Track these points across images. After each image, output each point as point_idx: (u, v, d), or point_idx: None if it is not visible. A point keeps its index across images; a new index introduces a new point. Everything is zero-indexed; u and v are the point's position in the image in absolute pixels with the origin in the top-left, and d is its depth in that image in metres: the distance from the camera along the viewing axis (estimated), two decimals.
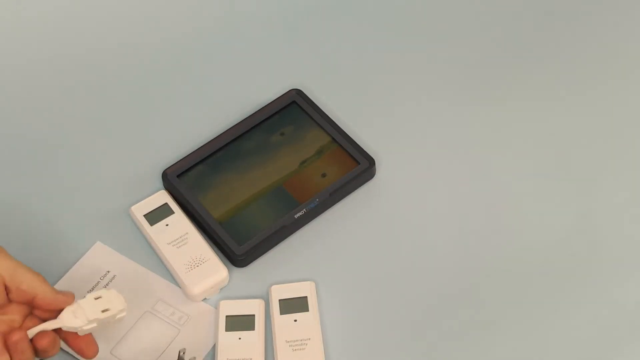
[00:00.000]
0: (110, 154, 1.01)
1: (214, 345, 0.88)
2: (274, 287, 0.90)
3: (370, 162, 0.97)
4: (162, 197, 0.96)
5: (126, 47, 1.07)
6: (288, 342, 0.87)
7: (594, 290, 0.90)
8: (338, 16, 1.10)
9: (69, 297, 0.82)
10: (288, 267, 0.93)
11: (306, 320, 0.88)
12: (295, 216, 0.94)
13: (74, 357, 0.87)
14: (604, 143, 1.00)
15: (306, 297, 0.89)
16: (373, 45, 1.08)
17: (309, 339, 0.87)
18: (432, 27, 1.09)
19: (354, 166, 0.97)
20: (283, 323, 0.88)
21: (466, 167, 0.99)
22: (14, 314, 0.82)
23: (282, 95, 1.02)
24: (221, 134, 0.99)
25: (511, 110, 1.03)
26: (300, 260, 0.93)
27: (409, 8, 1.10)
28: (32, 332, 0.80)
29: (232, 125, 1.00)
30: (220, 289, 0.91)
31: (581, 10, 1.10)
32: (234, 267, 0.93)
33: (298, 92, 1.02)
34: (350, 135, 0.99)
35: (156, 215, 0.95)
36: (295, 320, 0.88)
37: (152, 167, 0.99)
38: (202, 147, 0.98)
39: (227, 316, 0.89)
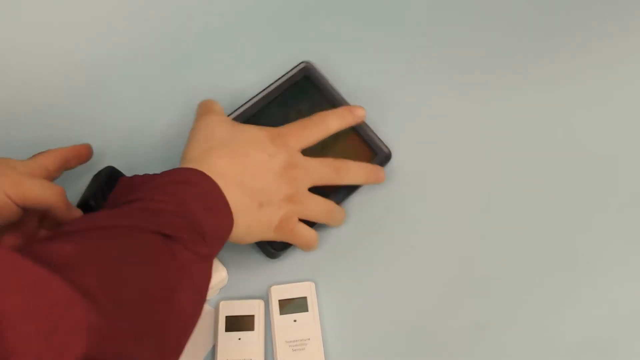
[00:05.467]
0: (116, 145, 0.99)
1: (214, 345, 0.88)
2: (273, 288, 0.90)
3: (388, 153, 0.96)
4: None
5: (129, 35, 1.06)
6: (288, 342, 0.87)
7: (594, 291, 0.91)
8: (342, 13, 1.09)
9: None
10: (288, 267, 0.92)
11: (306, 321, 0.88)
12: None
13: None
14: (607, 144, 1.00)
15: (306, 297, 0.89)
16: (383, 36, 1.06)
17: (309, 339, 0.87)
18: (444, 16, 1.07)
19: (370, 156, 0.96)
20: (283, 323, 0.88)
21: (466, 166, 0.98)
22: (29, 222, 0.84)
23: (293, 69, 0.98)
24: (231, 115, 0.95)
25: (525, 101, 1.01)
26: (300, 260, 0.93)
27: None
28: None
29: (243, 103, 0.97)
30: (220, 289, 0.91)
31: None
32: (235, 266, 0.91)
33: (308, 66, 0.98)
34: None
35: None
36: (295, 321, 0.88)
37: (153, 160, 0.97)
38: None
39: (226, 316, 0.89)
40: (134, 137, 0.99)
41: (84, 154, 0.92)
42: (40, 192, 0.81)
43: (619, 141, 0.99)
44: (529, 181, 0.97)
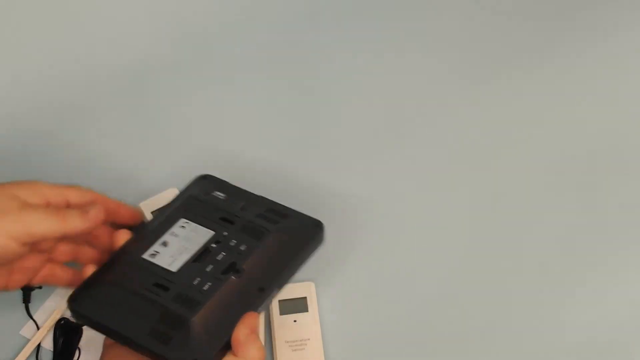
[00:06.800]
0: (123, 151, 1.02)
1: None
2: None
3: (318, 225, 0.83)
4: (172, 195, 0.96)
5: (141, 53, 1.09)
6: (287, 342, 0.87)
7: (595, 292, 0.90)
8: None
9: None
10: None
11: (305, 321, 0.88)
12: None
13: None
14: (608, 144, 0.99)
15: (305, 297, 0.89)
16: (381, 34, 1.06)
17: (309, 339, 0.88)
18: (442, 16, 1.08)
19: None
20: (282, 323, 0.88)
21: (465, 165, 0.98)
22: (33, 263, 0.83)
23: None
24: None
25: (525, 101, 1.01)
26: None
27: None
28: None
29: None
30: None
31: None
32: None
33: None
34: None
35: None
36: (295, 321, 0.88)
37: (164, 164, 1.00)
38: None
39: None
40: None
41: (124, 216, 0.86)
42: (47, 227, 0.76)
43: (620, 141, 0.99)
44: (530, 181, 0.97)
